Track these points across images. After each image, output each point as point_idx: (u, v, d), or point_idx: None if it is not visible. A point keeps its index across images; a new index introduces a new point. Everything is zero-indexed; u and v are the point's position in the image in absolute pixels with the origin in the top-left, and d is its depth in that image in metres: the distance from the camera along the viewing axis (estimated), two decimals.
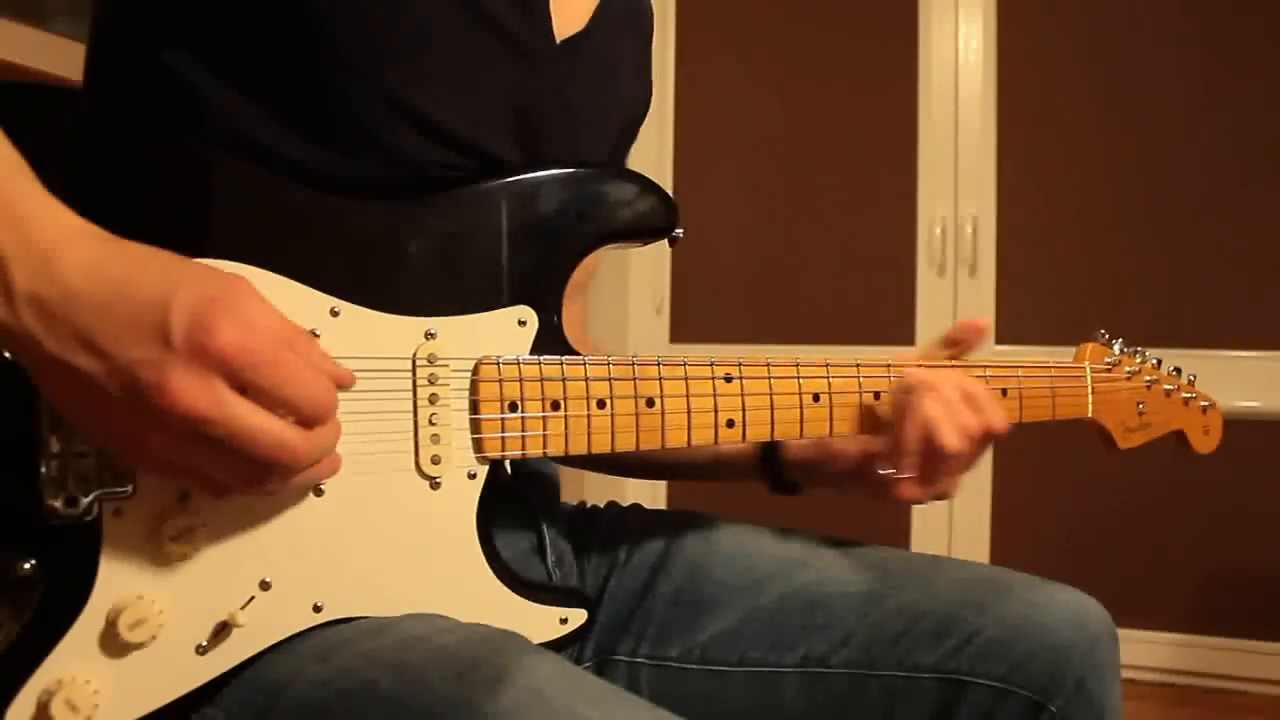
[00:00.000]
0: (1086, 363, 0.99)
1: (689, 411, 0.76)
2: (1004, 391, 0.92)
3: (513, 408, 0.71)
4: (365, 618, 0.67)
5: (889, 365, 0.85)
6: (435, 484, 0.69)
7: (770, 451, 0.93)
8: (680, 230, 0.79)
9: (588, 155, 0.85)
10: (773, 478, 0.94)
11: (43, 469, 0.59)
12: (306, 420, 0.57)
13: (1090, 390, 0.98)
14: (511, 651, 0.60)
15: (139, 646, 0.60)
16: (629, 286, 2.93)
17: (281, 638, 0.65)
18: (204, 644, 0.62)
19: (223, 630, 0.63)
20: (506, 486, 0.74)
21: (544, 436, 0.72)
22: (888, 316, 2.76)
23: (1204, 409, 1.08)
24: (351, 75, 0.70)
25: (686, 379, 0.77)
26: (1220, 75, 2.51)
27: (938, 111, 2.72)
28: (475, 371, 0.70)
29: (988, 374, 0.91)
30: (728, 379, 0.78)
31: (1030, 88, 2.66)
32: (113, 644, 0.60)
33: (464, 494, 0.70)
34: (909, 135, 2.75)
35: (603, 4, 0.85)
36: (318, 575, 0.66)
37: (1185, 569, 2.53)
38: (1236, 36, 2.51)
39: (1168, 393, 1.05)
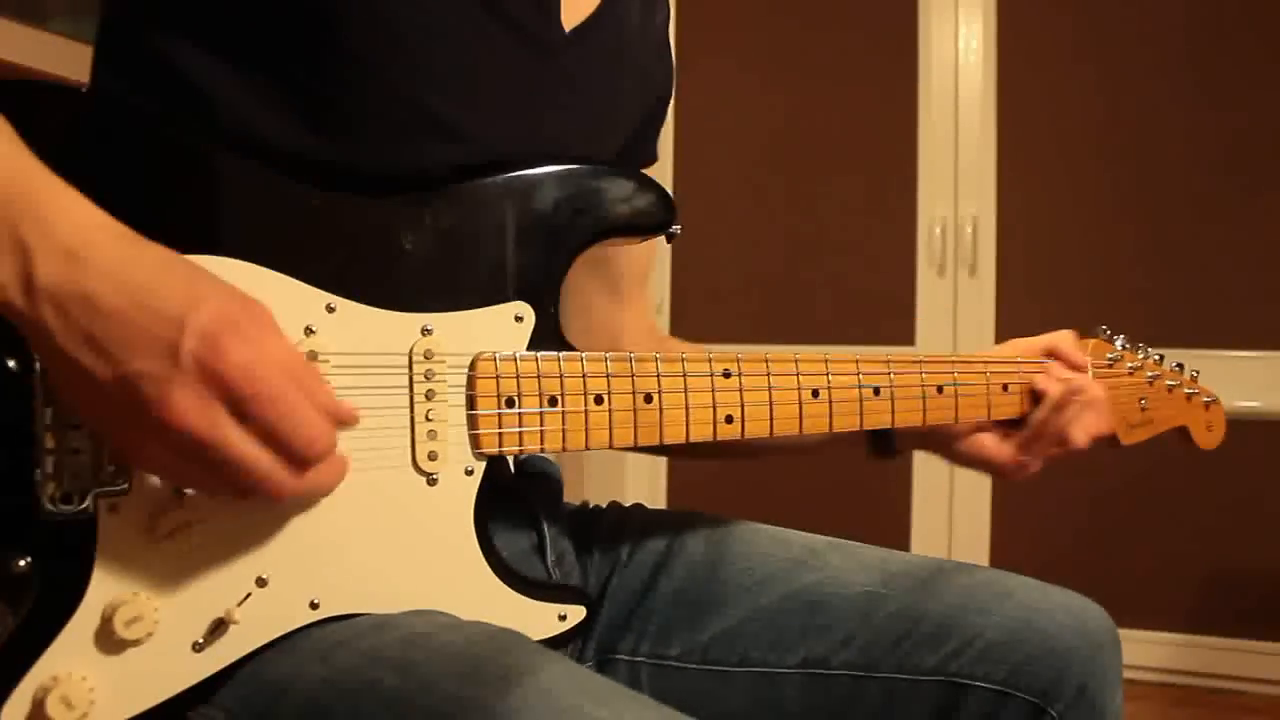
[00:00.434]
0: (1088, 358, 0.99)
1: (687, 407, 0.76)
2: (1004, 387, 0.92)
3: (510, 404, 0.71)
4: (363, 614, 0.67)
5: (888, 361, 0.85)
6: (432, 480, 0.69)
7: None
8: (678, 226, 0.79)
9: (603, 143, 0.85)
10: (880, 441, 0.97)
11: (38, 466, 0.58)
12: (299, 458, 0.58)
13: None
14: (518, 651, 0.60)
15: (135, 644, 0.60)
16: None
17: (278, 635, 0.64)
18: (200, 641, 0.62)
19: (219, 627, 0.62)
20: (507, 486, 0.73)
21: (541, 432, 0.71)
22: (888, 316, 2.76)
23: (1207, 405, 1.08)
24: (359, 64, 0.71)
25: (685, 375, 0.76)
26: (1220, 75, 2.51)
27: (938, 111, 2.72)
28: (472, 367, 0.70)
29: (989, 371, 0.91)
30: (726, 374, 0.78)
31: (1030, 88, 2.66)
32: (108, 641, 0.60)
33: (461, 490, 0.70)
34: (909, 135, 2.74)
35: None
36: (314, 572, 0.65)
37: (1185, 569, 2.53)
38: (1236, 36, 2.51)
39: (1170, 388, 1.05)
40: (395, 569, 0.68)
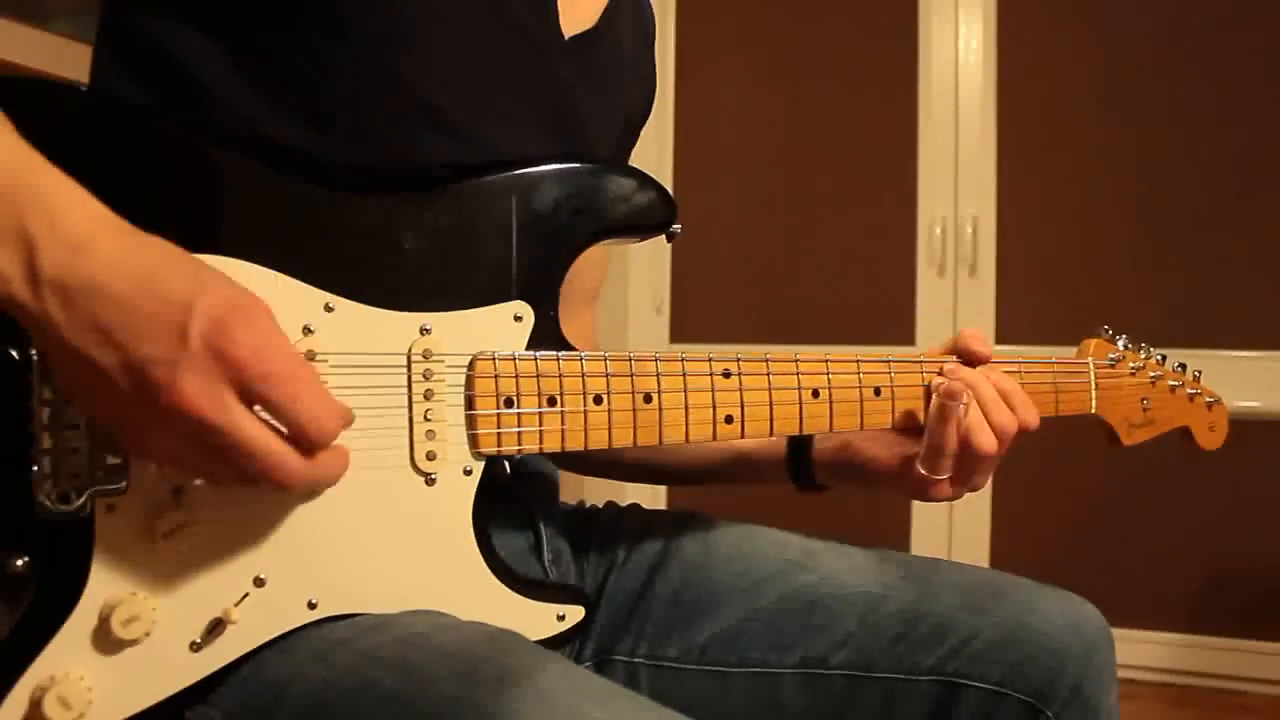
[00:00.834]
0: (1090, 358, 0.99)
1: (687, 407, 0.76)
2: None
3: (508, 404, 0.70)
4: (361, 615, 0.66)
5: (889, 361, 0.85)
6: (430, 480, 0.69)
7: (798, 452, 0.93)
8: (678, 226, 0.79)
9: (596, 152, 0.85)
10: (802, 478, 0.93)
11: (35, 465, 0.58)
12: (309, 441, 0.58)
13: (1094, 386, 0.98)
14: (516, 651, 0.60)
15: (132, 643, 0.60)
16: (629, 286, 2.92)
17: (276, 635, 0.64)
18: (198, 641, 0.62)
19: (217, 627, 0.62)
20: (504, 486, 0.73)
21: (540, 433, 0.71)
22: (888, 316, 2.76)
23: (1209, 405, 1.08)
24: (358, 55, 0.71)
25: (684, 375, 0.76)
26: (1220, 75, 2.51)
27: (938, 111, 2.72)
28: (471, 367, 0.70)
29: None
30: (726, 375, 0.78)
31: (1030, 88, 2.66)
32: (106, 641, 0.60)
33: (460, 490, 0.70)
34: (909, 135, 2.74)
35: (612, 4, 0.85)
36: (312, 572, 0.65)
37: (1185, 569, 2.53)
38: (1237, 37, 2.51)
39: (1172, 389, 1.05)
40: (394, 569, 0.68)
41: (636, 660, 0.88)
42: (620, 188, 0.76)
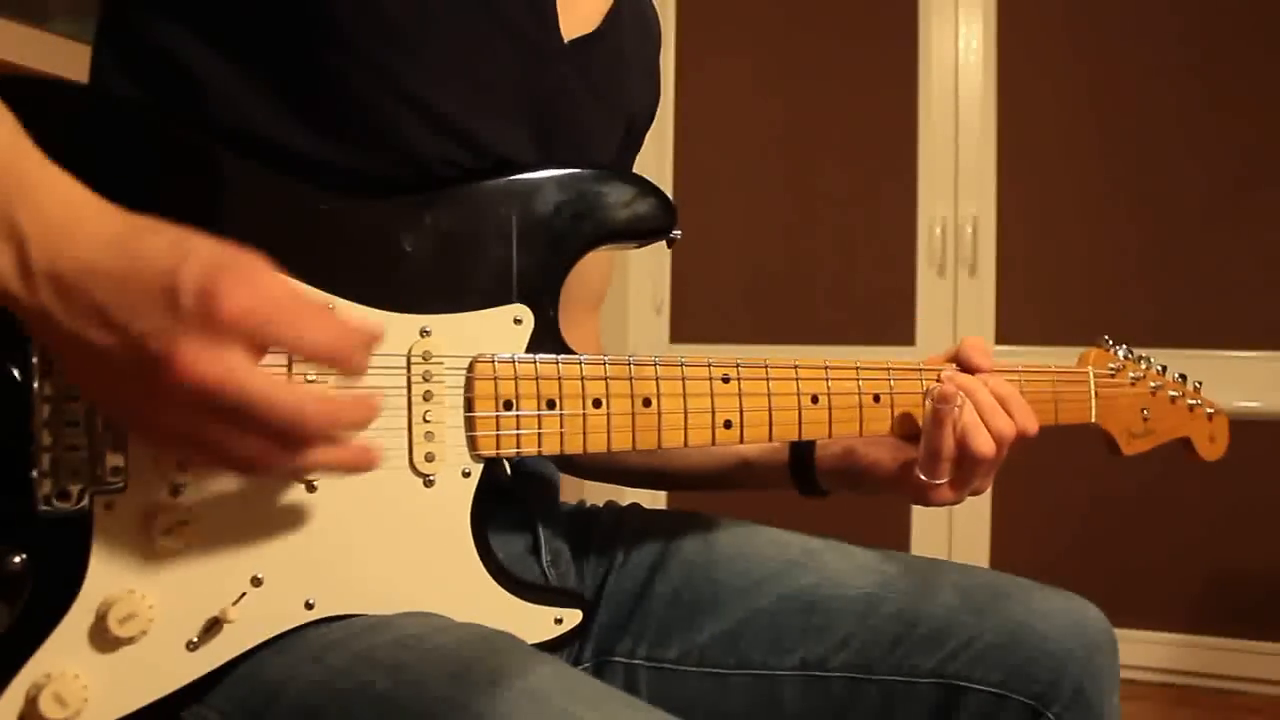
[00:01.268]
0: (1090, 368, 0.98)
1: (685, 412, 0.76)
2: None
3: (508, 406, 0.70)
4: (358, 615, 0.67)
5: (889, 368, 0.85)
6: (429, 482, 0.69)
7: (801, 458, 0.92)
8: (678, 232, 0.79)
9: (595, 157, 0.85)
10: (805, 483, 0.93)
11: (35, 463, 0.58)
12: (340, 361, 0.56)
13: (1094, 395, 0.98)
14: (508, 653, 0.60)
15: (129, 641, 0.60)
16: (629, 287, 2.92)
17: (273, 634, 0.64)
18: (194, 640, 0.62)
19: (214, 626, 0.62)
20: (503, 487, 0.73)
21: (539, 435, 0.71)
22: (888, 316, 2.76)
23: (1209, 416, 1.07)
24: (357, 61, 0.70)
25: (684, 379, 0.76)
26: (1220, 75, 2.51)
27: (938, 111, 2.72)
28: (470, 369, 0.70)
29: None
30: (725, 380, 0.78)
31: (1030, 88, 2.66)
32: (102, 639, 0.60)
33: (458, 492, 0.70)
34: (909, 135, 2.74)
35: (615, 8, 0.85)
36: (310, 572, 0.65)
37: (1185, 569, 2.53)
38: (1236, 36, 2.50)
39: (1172, 399, 1.04)
40: (391, 570, 0.68)
41: (636, 662, 0.88)
42: (621, 193, 0.76)
